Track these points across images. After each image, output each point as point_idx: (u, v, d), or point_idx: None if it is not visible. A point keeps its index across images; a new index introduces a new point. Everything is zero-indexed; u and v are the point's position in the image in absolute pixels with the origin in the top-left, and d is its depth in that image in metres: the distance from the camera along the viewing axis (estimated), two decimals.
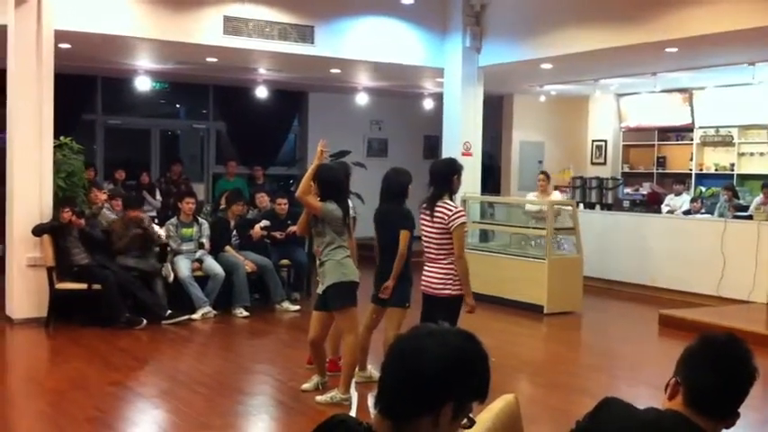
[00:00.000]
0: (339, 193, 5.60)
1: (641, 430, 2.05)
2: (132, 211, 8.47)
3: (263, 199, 9.89)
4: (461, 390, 1.65)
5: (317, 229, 5.57)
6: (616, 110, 14.28)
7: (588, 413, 2.17)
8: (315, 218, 5.55)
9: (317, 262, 5.63)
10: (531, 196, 10.41)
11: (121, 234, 8.34)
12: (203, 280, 8.60)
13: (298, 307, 8.93)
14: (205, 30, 9.18)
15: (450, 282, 5.29)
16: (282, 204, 9.45)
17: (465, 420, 1.68)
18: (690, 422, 2.02)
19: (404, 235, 5.59)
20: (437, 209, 5.30)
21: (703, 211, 11.08)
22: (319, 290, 5.66)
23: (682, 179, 12.45)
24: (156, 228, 8.92)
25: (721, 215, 10.41)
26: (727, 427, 2.06)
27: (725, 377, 2.03)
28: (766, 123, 11.93)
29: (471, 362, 1.67)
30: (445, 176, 5.37)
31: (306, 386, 5.84)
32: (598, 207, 11.44)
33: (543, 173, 10.44)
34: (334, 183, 5.57)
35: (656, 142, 13.94)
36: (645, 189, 13.41)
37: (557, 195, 10.31)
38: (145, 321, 7.91)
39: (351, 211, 5.83)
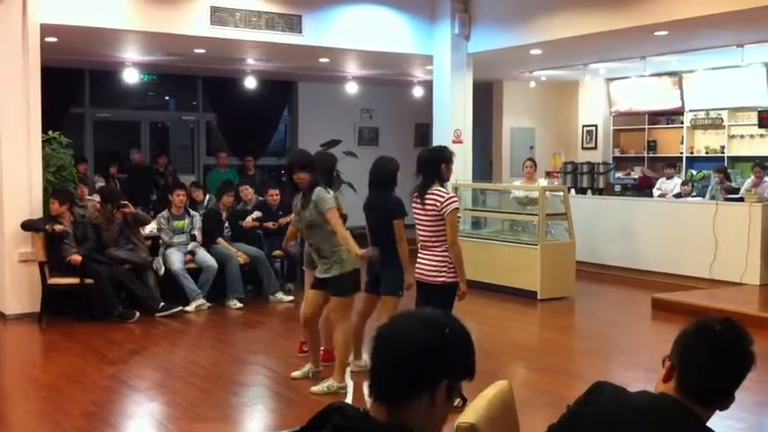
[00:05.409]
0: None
1: (633, 414, 2.04)
2: (111, 204, 8.41)
3: (246, 192, 9.67)
4: (446, 370, 1.65)
5: (312, 226, 5.57)
6: (606, 94, 14.29)
7: (580, 397, 2.17)
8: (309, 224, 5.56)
9: (317, 253, 5.59)
10: (517, 183, 10.42)
11: (107, 227, 8.31)
12: (196, 272, 8.59)
13: (291, 297, 8.93)
14: (192, 20, 9.12)
15: (445, 269, 5.27)
16: (274, 195, 9.41)
17: (458, 401, 1.68)
18: (682, 406, 2.02)
19: (398, 223, 5.57)
20: (428, 196, 5.27)
21: (694, 193, 11.10)
22: (318, 273, 5.62)
23: (672, 163, 12.48)
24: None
25: (713, 198, 10.43)
26: (721, 410, 2.06)
27: (720, 371, 2.01)
28: (756, 105, 11.94)
29: (453, 341, 1.67)
30: (433, 165, 5.33)
31: (296, 374, 5.83)
32: (589, 192, 11.46)
33: (530, 159, 10.45)
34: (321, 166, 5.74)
35: (646, 126, 13.97)
36: (636, 173, 13.45)
37: (543, 182, 10.32)
38: (138, 314, 7.90)
39: (342, 206, 5.81)
